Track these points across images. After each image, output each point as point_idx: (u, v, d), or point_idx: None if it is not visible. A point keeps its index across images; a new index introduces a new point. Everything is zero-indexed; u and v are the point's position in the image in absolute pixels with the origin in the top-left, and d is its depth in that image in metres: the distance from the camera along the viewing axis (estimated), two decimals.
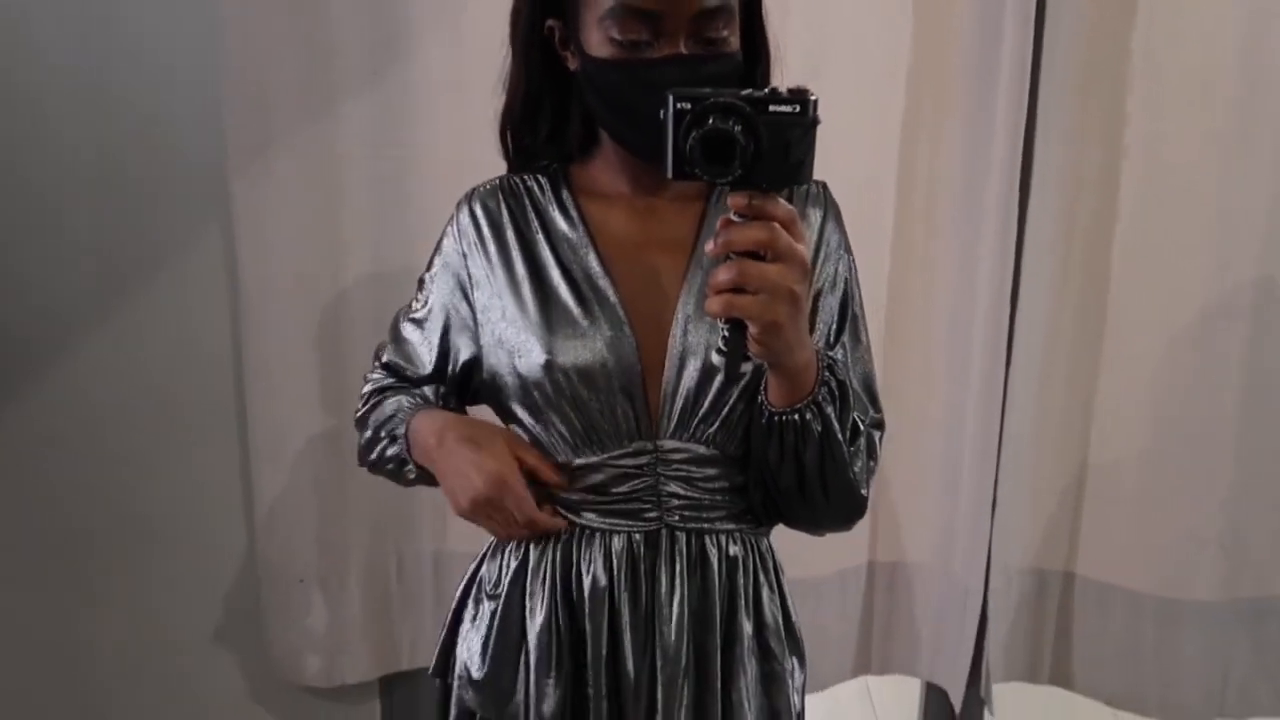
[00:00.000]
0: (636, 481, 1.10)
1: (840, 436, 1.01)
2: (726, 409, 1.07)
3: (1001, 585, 1.85)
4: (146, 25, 1.68)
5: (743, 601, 1.12)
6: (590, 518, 1.12)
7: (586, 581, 1.11)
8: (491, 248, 1.13)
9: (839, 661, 1.96)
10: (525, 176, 1.16)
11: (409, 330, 1.20)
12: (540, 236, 1.13)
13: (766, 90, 0.86)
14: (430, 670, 1.25)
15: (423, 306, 1.19)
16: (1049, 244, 1.74)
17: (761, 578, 1.15)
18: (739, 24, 1.05)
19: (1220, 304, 1.75)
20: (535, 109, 1.13)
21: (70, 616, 1.89)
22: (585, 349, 1.07)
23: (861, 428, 1.06)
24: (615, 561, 1.10)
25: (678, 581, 1.10)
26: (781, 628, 1.16)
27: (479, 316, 1.14)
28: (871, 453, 1.10)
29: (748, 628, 1.13)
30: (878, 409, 1.14)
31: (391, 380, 1.21)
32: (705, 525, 1.11)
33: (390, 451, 1.16)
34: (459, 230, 1.16)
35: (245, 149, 1.64)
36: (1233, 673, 1.87)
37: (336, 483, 1.75)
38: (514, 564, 1.15)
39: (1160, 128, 1.70)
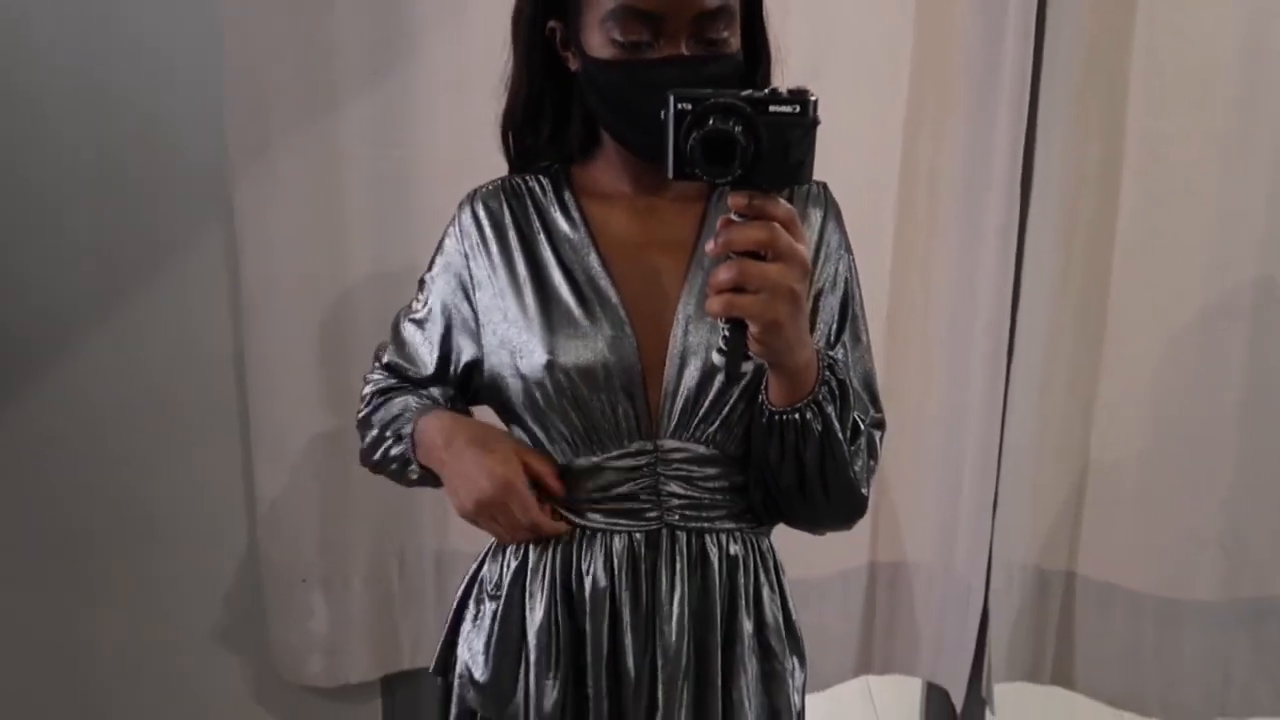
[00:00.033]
0: (637, 481, 1.10)
1: (841, 435, 1.02)
2: (727, 409, 1.07)
3: (1003, 585, 1.85)
4: (146, 25, 1.69)
5: (743, 601, 1.13)
6: (591, 518, 1.12)
7: (587, 582, 1.11)
8: (494, 248, 1.14)
9: (840, 661, 1.96)
10: (527, 177, 1.17)
11: (410, 331, 1.20)
12: (542, 237, 1.13)
13: (767, 91, 0.86)
14: (431, 669, 1.25)
15: (424, 307, 1.19)
16: (1050, 243, 1.74)
17: (762, 577, 1.15)
18: (740, 25, 1.05)
19: (1221, 303, 1.75)
20: (537, 110, 1.13)
21: (71, 617, 1.90)
22: (586, 349, 1.07)
23: (862, 427, 1.07)
24: (616, 562, 1.10)
25: (678, 581, 1.10)
26: (782, 627, 1.16)
27: (481, 317, 1.14)
28: (872, 452, 1.10)
29: (748, 627, 1.13)
30: (878, 408, 1.14)
31: (394, 381, 1.22)
32: (706, 525, 1.11)
33: (395, 451, 1.16)
34: (461, 231, 1.16)
35: (247, 148, 1.64)
36: (1234, 673, 1.87)
37: (338, 482, 1.75)
38: (514, 564, 1.16)
39: (1161, 126, 1.70)
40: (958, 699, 1.88)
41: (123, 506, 1.85)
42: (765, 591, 1.15)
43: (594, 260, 1.11)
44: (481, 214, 1.15)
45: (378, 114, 1.66)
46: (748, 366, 1.02)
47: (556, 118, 1.14)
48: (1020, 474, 1.81)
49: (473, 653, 1.18)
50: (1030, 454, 1.82)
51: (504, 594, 1.15)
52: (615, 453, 1.09)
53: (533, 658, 1.12)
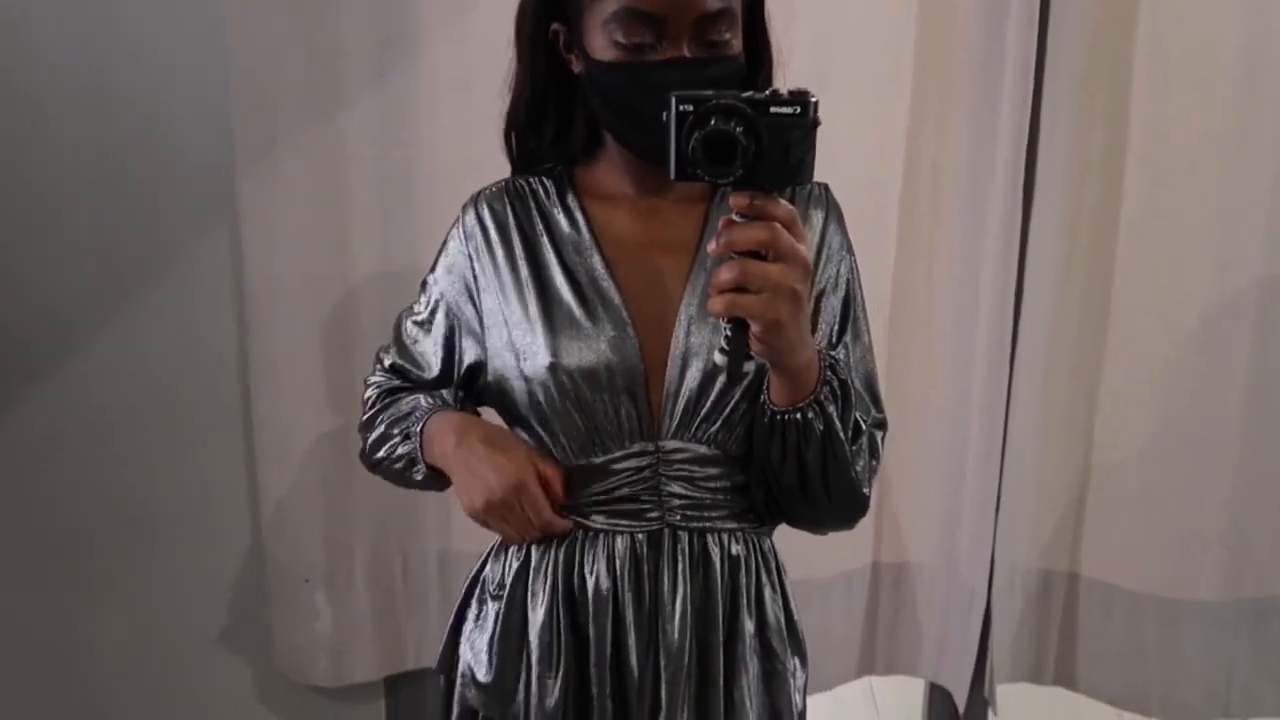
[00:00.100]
0: (639, 482, 1.10)
1: (842, 435, 1.02)
2: (728, 409, 1.08)
3: (1005, 586, 1.85)
4: (147, 25, 1.69)
5: (745, 600, 1.13)
6: (594, 518, 1.12)
7: (590, 582, 1.11)
8: (498, 250, 1.14)
9: (843, 662, 1.96)
10: (530, 179, 1.17)
11: (414, 333, 1.20)
12: (545, 239, 1.13)
13: (768, 92, 0.87)
14: (435, 667, 1.25)
15: (426, 309, 1.19)
16: (1054, 231, 1.74)
17: (764, 577, 1.15)
18: (741, 27, 1.06)
19: (1224, 302, 1.75)
20: (540, 112, 1.14)
21: (75, 617, 1.90)
22: (589, 350, 1.07)
23: (864, 427, 1.07)
24: (618, 563, 1.11)
25: (680, 580, 1.11)
26: (783, 627, 1.16)
27: (484, 319, 1.15)
28: (874, 452, 1.10)
29: (750, 626, 1.13)
30: (880, 409, 1.14)
31: (398, 382, 1.22)
32: (707, 525, 1.12)
33: (402, 450, 1.16)
34: (465, 233, 1.16)
35: (251, 149, 1.65)
36: (1236, 673, 1.87)
37: (342, 482, 1.76)
38: (517, 564, 1.16)
39: (1165, 113, 1.70)
40: (960, 699, 1.89)
41: (126, 507, 1.86)
42: (767, 591, 1.15)
43: (597, 261, 1.11)
44: (485, 216, 1.16)
45: (381, 114, 1.66)
46: (749, 366, 1.02)
47: (559, 120, 1.14)
48: (1023, 474, 1.81)
49: (475, 652, 1.18)
50: (1033, 454, 1.82)
51: (506, 594, 1.16)
52: (617, 453, 1.10)
53: (535, 657, 1.13)
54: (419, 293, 1.21)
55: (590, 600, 1.11)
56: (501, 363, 1.13)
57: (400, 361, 1.21)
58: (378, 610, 1.86)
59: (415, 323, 1.20)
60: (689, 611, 1.10)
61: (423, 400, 1.17)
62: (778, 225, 0.88)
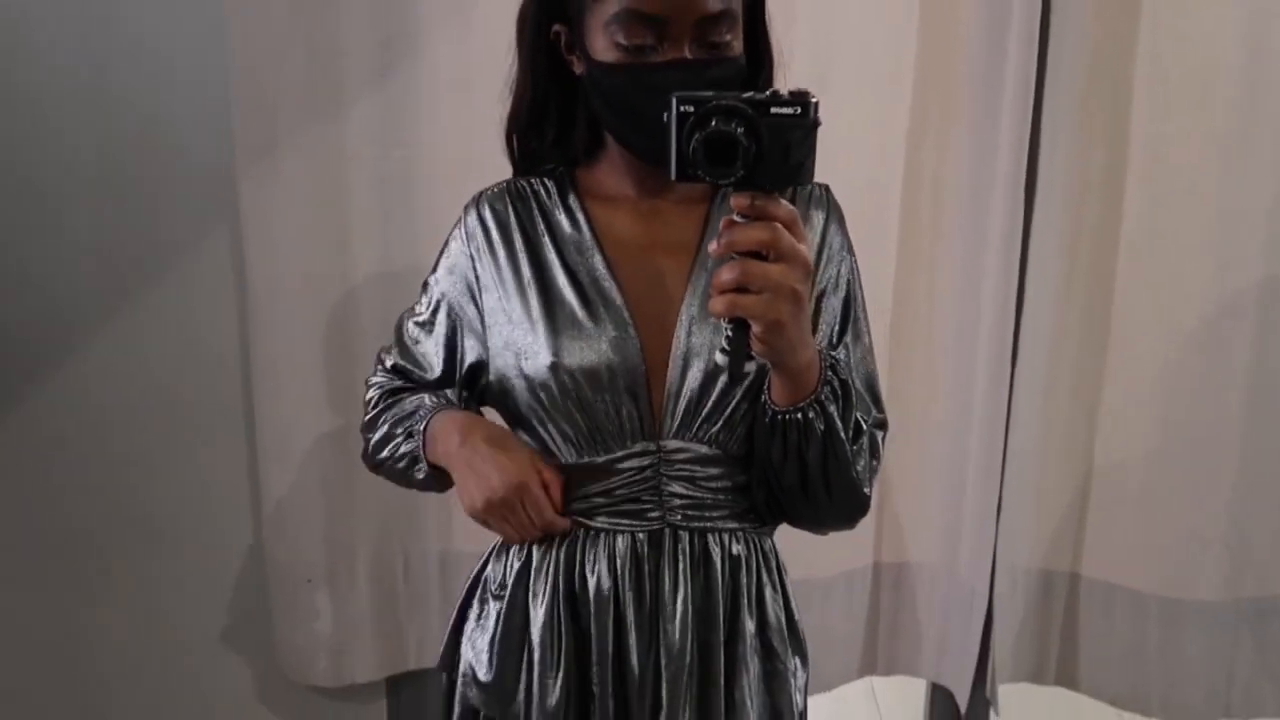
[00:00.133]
0: (640, 481, 1.11)
1: (843, 435, 1.02)
2: (729, 409, 1.08)
3: (1007, 586, 1.85)
4: (147, 25, 1.69)
5: (745, 600, 1.13)
6: (595, 518, 1.12)
7: (591, 582, 1.11)
8: (499, 251, 1.14)
9: (844, 662, 1.96)
10: (532, 180, 1.17)
11: (416, 333, 1.21)
12: (546, 239, 1.14)
13: (768, 93, 0.87)
14: (437, 666, 1.26)
15: (428, 309, 1.19)
16: (1054, 248, 1.74)
17: (764, 577, 1.16)
18: (742, 29, 1.06)
19: (1225, 304, 1.75)
20: (541, 113, 1.14)
21: (77, 617, 1.90)
22: (590, 350, 1.08)
23: (864, 427, 1.07)
24: (619, 562, 1.11)
25: (681, 580, 1.11)
26: (784, 627, 1.17)
27: (486, 319, 1.15)
28: (874, 452, 1.10)
29: (750, 626, 1.14)
30: (880, 409, 1.15)
31: (400, 382, 1.22)
32: (708, 524, 1.12)
33: (405, 448, 1.16)
34: (467, 233, 1.17)
35: (251, 149, 1.65)
36: (1237, 673, 1.87)
37: (344, 482, 1.76)
38: (518, 564, 1.16)
39: (1164, 131, 1.71)
40: (962, 700, 1.89)
41: (128, 507, 1.86)
42: (768, 591, 1.16)
43: (598, 262, 1.12)
44: (487, 216, 1.16)
45: (382, 114, 1.67)
46: (751, 367, 1.02)
47: (561, 121, 1.15)
48: (1024, 476, 1.81)
49: (476, 652, 1.18)
50: (1034, 456, 1.82)
51: (508, 593, 1.16)
52: (619, 453, 1.10)
53: (536, 657, 1.13)
54: (420, 293, 1.21)
55: (591, 600, 1.11)
56: (503, 362, 1.13)
57: (402, 362, 1.22)
58: (379, 610, 1.86)
59: (417, 323, 1.21)
60: (690, 611, 1.11)
61: (427, 399, 1.18)
62: (779, 225, 0.88)
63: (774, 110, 0.86)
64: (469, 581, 1.25)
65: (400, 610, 1.87)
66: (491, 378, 1.15)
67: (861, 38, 1.69)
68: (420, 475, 1.16)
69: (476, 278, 1.15)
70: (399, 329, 1.23)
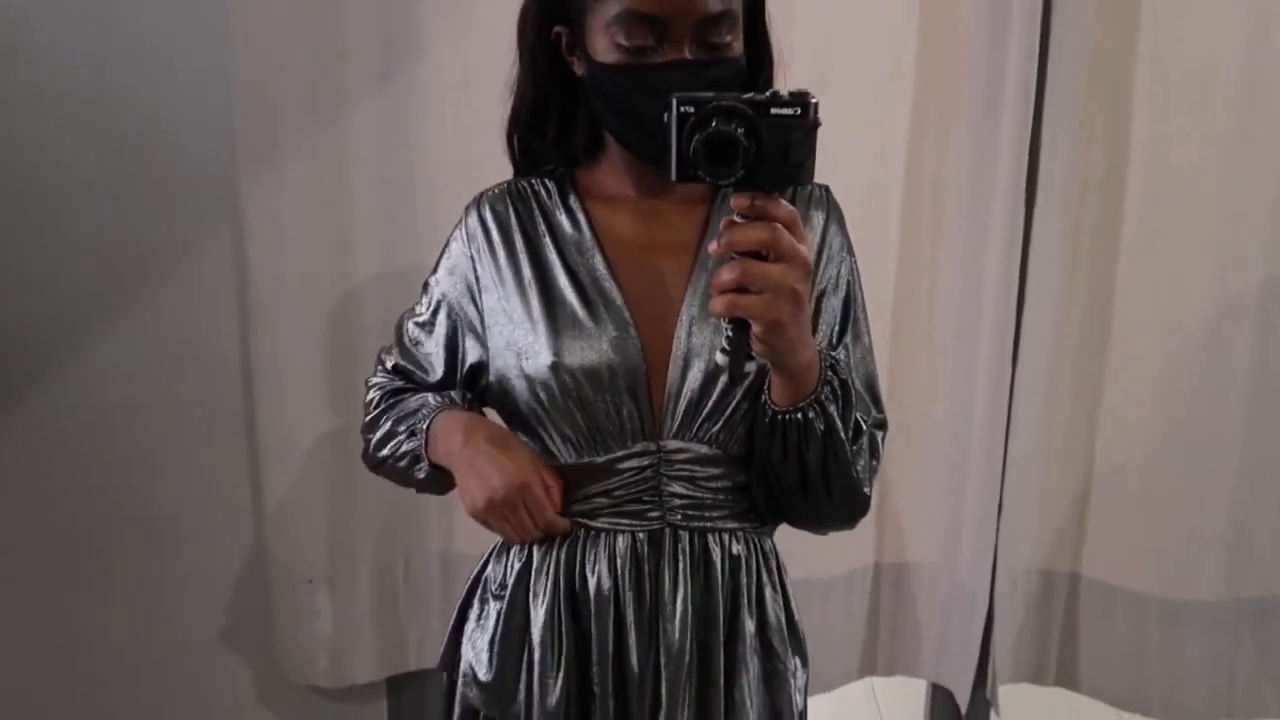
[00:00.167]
0: (640, 481, 1.11)
1: (843, 435, 1.02)
2: (730, 409, 1.08)
3: (1007, 587, 1.85)
4: (147, 25, 1.69)
5: (745, 600, 1.13)
6: (595, 518, 1.13)
7: (591, 582, 1.11)
8: (500, 251, 1.15)
9: (845, 662, 1.96)
10: (532, 180, 1.18)
11: (416, 334, 1.21)
12: (547, 239, 1.14)
13: (768, 93, 0.87)
14: (437, 666, 1.26)
15: (428, 310, 1.20)
16: (1055, 249, 1.74)
17: (764, 577, 1.16)
18: (742, 30, 1.06)
19: (1225, 305, 1.75)
20: (542, 114, 1.14)
21: (77, 617, 1.90)
22: (591, 350, 1.08)
23: (864, 427, 1.07)
24: (619, 562, 1.11)
25: (681, 580, 1.11)
26: (784, 627, 1.17)
27: (486, 320, 1.15)
28: (874, 452, 1.11)
29: (750, 626, 1.14)
30: (880, 409, 1.15)
31: (401, 383, 1.22)
32: (708, 524, 1.12)
33: (406, 447, 1.16)
34: (467, 234, 1.17)
35: (253, 149, 1.65)
36: (1238, 673, 1.87)
37: (345, 482, 1.76)
38: (519, 564, 1.16)
39: (1165, 131, 1.71)
40: (962, 700, 1.89)
41: (128, 507, 1.86)
42: (768, 591, 1.16)
43: (599, 262, 1.12)
44: (488, 217, 1.16)
45: (384, 115, 1.67)
46: (751, 367, 1.02)
47: (561, 121, 1.15)
48: (1025, 477, 1.81)
49: (476, 652, 1.18)
50: (1035, 456, 1.82)
51: (508, 594, 1.16)
52: (619, 453, 1.10)
53: (536, 656, 1.13)
54: (420, 294, 1.21)
55: (591, 599, 1.11)
56: (503, 362, 1.13)
57: (402, 363, 1.22)
58: (379, 611, 1.86)
59: (417, 324, 1.21)
60: (689, 611, 1.11)
61: (430, 399, 1.18)
62: (779, 226, 0.88)
63: (774, 111, 0.87)
64: (469, 582, 1.25)
65: (401, 611, 1.87)
66: (491, 378, 1.15)
67: (862, 38, 1.69)
68: (421, 475, 1.16)
69: (477, 278, 1.15)
70: (399, 330, 1.23)
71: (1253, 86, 1.68)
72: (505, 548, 1.20)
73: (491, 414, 1.19)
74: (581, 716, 1.13)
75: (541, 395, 1.10)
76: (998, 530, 1.80)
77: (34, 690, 1.92)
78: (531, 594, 1.15)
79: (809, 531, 1.16)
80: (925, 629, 1.93)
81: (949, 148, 1.74)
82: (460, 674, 1.21)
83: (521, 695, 1.14)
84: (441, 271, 1.19)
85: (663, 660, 1.10)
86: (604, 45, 1.04)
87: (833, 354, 1.08)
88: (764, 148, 0.86)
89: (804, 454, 1.02)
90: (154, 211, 1.75)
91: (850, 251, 1.16)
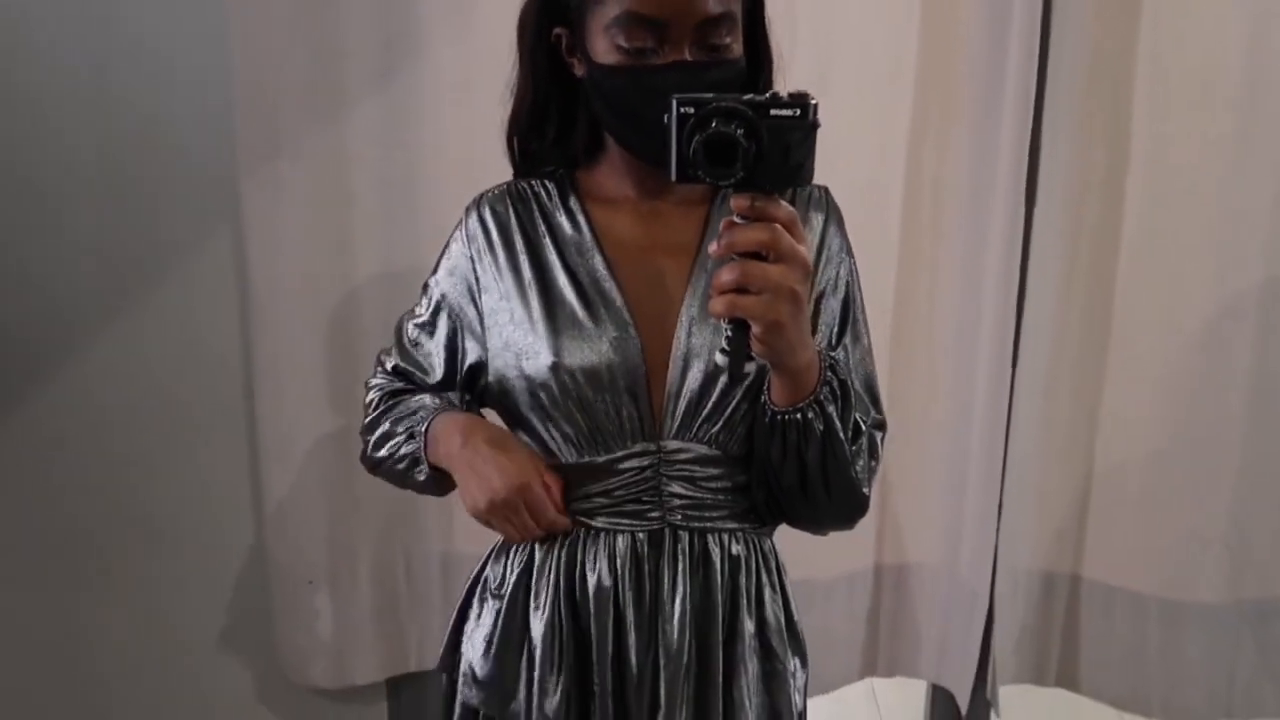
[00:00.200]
0: (640, 481, 1.11)
1: (842, 435, 1.03)
2: (729, 409, 1.08)
3: (1008, 588, 1.85)
4: (147, 25, 1.69)
5: (745, 600, 1.13)
6: (594, 518, 1.13)
7: (591, 581, 1.12)
8: (499, 252, 1.15)
9: (845, 663, 1.96)
10: (532, 181, 1.18)
11: (416, 335, 1.21)
12: (547, 240, 1.14)
13: (768, 95, 0.88)
14: (437, 666, 1.26)
15: (428, 311, 1.20)
16: (1055, 249, 1.74)
17: (764, 577, 1.16)
18: (742, 31, 1.06)
19: (1225, 305, 1.75)
20: (542, 115, 1.15)
21: (77, 617, 1.90)
22: (591, 350, 1.08)
23: (863, 428, 1.08)
24: (619, 561, 1.11)
25: (680, 580, 1.11)
26: (783, 627, 1.17)
27: (486, 320, 1.15)
28: (873, 452, 1.11)
29: (749, 626, 1.14)
30: (879, 410, 1.15)
31: (401, 384, 1.22)
32: (708, 525, 1.12)
33: (405, 449, 1.16)
34: (467, 235, 1.17)
35: (253, 149, 1.65)
36: (1238, 674, 1.87)
37: (345, 483, 1.76)
38: (519, 564, 1.16)
39: (1165, 131, 1.71)
40: (963, 701, 1.89)
41: (128, 507, 1.86)
42: (767, 592, 1.16)
43: (598, 263, 1.12)
44: (488, 218, 1.16)
45: (384, 116, 1.67)
46: (750, 367, 1.02)
47: (561, 123, 1.15)
48: (1025, 478, 1.81)
49: (476, 651, 1.18)
50: (1035, 457, 1.82)
51: (507, 593, 1.16)
52: (619, 453, 1.10)
53: (536, 656, 1.13)
54: (420, 295, 1.21)
55: (591, 599, 1.11)
56: (503, 363, 1.13)
57: (402, 364, 1.22)
58: (380, 612, 1.86)
59: (417, 325, 1.21)
60: (689, 611, 1.11)
61: (429, 400, 1.18)
62: (778, 227, 0.88)
63: (774, 112, 0.87)
64: (469, 582, 1.25)
65: (401, 611, 1.87)
66: (491, 378, 1.15)
67: (862, 38, 1.69)
68: (421, 477, 1.16)
69: (477, 279, 1.16)
70: (399, 331, 1.23)
71: (1253, 86, 1.68)
72: (505, 548, 1.20)
73: (491, 414, 1.19)
74: (581, 716, 1.13)
75: (541, 395, 1.10)
76: (998, 531, 1.80)
77: (34, 690, 1.92)
78: (531, 594, 1.15)
79: (808, 532, 1.16)
80: (925, 630, 1.94)
81: (949, 147, 1.74)
82: (460, 674, 1.21)
83: (521, 694, 1.14)
84: (441, 272, 1.19)
85: (662, 660, 1.10)
86: (604, 47, 1.04)
87: (832, 354, 1.09)
88: (764, 149, 0.86)
89: (803, 454, 1.03)
90: (154, 211, 1.75)
91: (849, 253, 1.16)
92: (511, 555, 1.18)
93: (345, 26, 1.63)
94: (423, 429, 1.14)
